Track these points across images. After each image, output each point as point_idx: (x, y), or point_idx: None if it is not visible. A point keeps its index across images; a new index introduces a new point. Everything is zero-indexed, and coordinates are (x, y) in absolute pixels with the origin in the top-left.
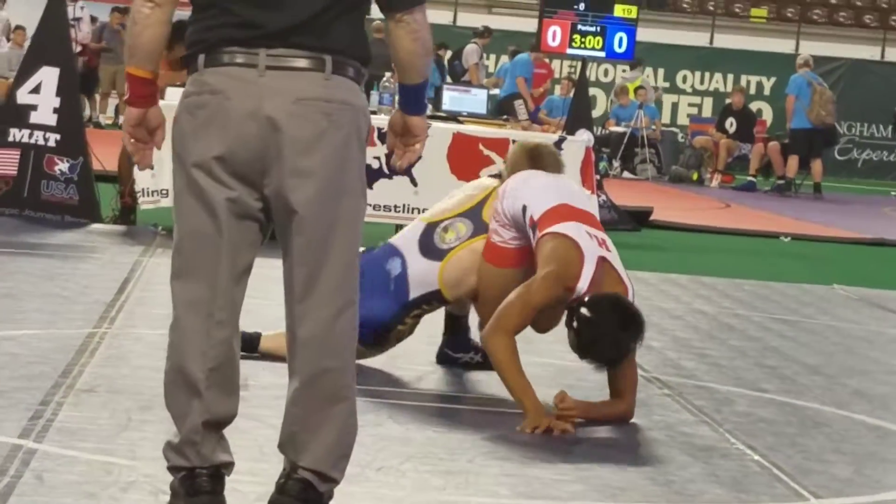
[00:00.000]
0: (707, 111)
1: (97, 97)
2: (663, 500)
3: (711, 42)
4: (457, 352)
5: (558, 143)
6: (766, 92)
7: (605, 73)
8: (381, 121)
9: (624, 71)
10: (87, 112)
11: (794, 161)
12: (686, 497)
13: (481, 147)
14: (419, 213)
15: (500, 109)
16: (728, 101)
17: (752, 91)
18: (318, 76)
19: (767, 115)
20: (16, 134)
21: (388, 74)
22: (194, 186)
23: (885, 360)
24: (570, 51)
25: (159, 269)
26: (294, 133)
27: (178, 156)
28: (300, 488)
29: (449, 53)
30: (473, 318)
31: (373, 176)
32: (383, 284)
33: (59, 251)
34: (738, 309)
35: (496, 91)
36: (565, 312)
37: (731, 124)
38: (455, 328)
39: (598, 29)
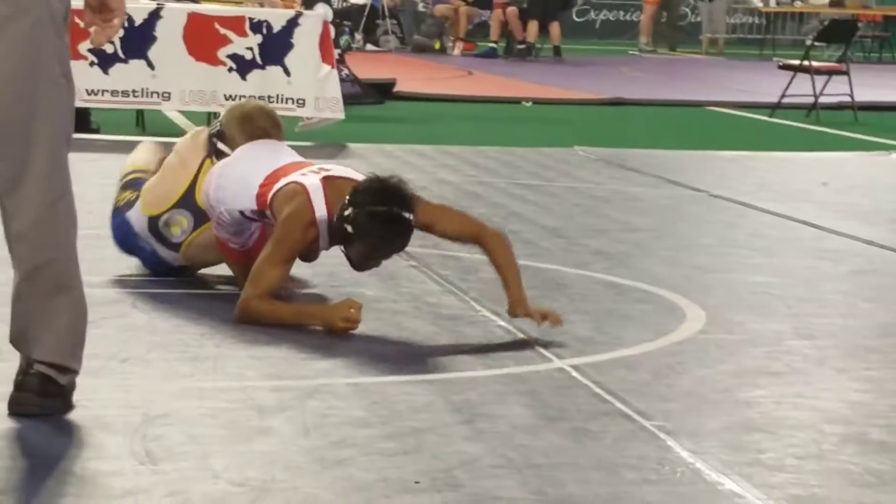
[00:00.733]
0: None
1: None
2: (410, 372)
3: None
4: None
5: (294, 19)
6: None
7: None
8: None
9: None
10: None
11: (532, 25)
12: (433, 367)
13: (217, 26)
14: (159, 96)
15: None
16: None
17: None
18: None
19: None
20: None
21: None
22: None
23: (624, 219)
24: None
25: None
26: None
27: None
28: (38, 382)
29: None
30: None
31: (108, 61)
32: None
33: None
34: (482, 176)
35: None
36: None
37: None
38: None
39: None
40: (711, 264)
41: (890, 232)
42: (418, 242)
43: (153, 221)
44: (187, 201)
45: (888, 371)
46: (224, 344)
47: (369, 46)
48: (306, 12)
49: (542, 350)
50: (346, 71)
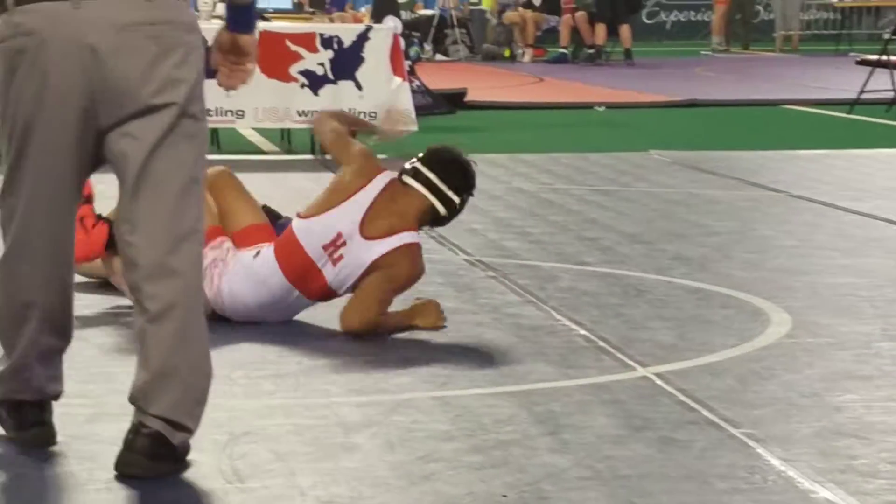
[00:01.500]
0: None
1: None
2: (492, 384)
3: None
4: None
5: (364, 33)
6: None
7: None
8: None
9: None
10: None
11: (601, 29)
12: (515, 378)
13: (289, 43)
14: (232, 114)
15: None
16: None
17: None
18: None
19: None
20: None
21: None
22: (33, 144)
23: (703, 222)
24: None
25: None
26: (123, 66)
27: (4, 105)
28: (149, 443)
29: None
30: None
31: None
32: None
33: None
34: (556, 183)
35: None
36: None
37: None
38: None
39: None
40: (795, 266)
41: None
42: (495, 253)
43: None
44: None
45: None
46: (306, 360)
47: (439, 56)
48: (376, 26)
49: (624, 358)
50: (416, 82)
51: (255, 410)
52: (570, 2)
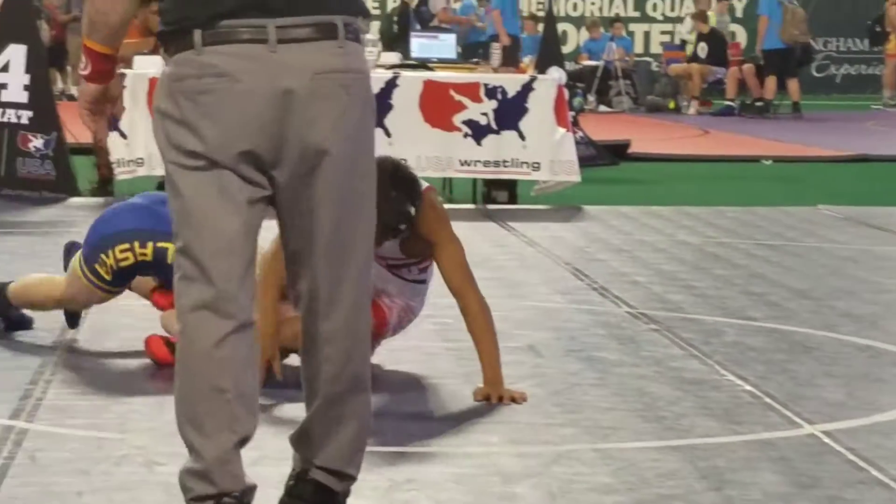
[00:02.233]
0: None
1: (68, 69)
2: (654, 437)
3: None
4: None
5: (529, 84)
6: (739, 14)
7: (574, 7)
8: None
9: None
10: (59, 85)
11: (770, 82)
12: (678, 432)
13: (453, 93)
14: None
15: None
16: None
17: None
18: (333, 45)
19: (741, 37)
20: None
21: None
22: (207, 187)
23: (873, 279)
24: None
25: None
26: (316, 112)
27: (175, 148)
28: (312, 491)
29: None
30: None
31: None
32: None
33: (39, 228)
34: (722, 237)
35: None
36: None
37: (702, 49)
38: None
39: None
40: None
41: None
42: (659, 306)
43: None
44: None
45: None
46: (465, 409)
47: (602, 107)
48: (540, 76)
49: (791, 415)
50: (580, 133)
51: (416, 457)
52: (737, 54)
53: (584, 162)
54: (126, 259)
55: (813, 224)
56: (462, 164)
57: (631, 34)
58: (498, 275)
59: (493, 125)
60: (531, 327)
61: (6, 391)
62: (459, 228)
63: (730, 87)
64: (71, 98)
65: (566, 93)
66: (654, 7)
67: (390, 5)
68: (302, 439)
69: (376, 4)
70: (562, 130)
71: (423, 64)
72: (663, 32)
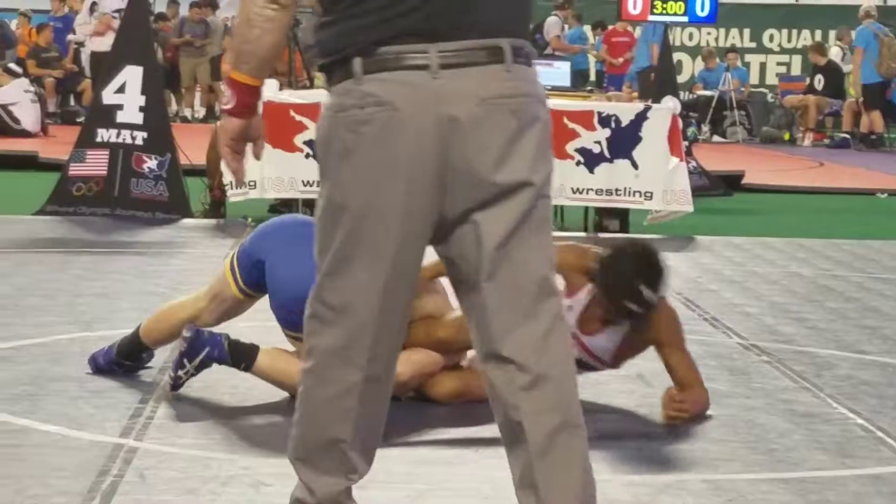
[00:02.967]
0: (796, 69)
1: (182, 91)
2: (766, 469)
3: None
4: None
5: (643, 112)
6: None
7: (690, 36)
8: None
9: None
10: (173, 107)
11: (876, 116)
12: (789, 465)
13: (566, 121)
14: None
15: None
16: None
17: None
18: (499, 69)
19: None
20: (103, 134)
21: None
22: (367, 232)
23: None
24: (651, 17)
25: None
26: (484, 141)
27: (336, 185)
28: None
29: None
30: None
31: None
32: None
33: (151, 248)
34: (835, 270)
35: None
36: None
37: (819, 81)
38: None
39: None
40: None
41: None
42: (771, 338)
43: None
44: None
45: None
46: None
47: (716, 138)
48: (655, 106)
49: None
50: (693, 163)
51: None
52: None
53: (697, 192)
54: None
55: None
56: (574, 192)
57: (747, 65)
58: None
59: (607, 153)
60: (641, 356)
61: (116, 409)
62: None
63: (846, 119)
64: (185, 120)
65: (680, 122)
66: (771, 38)
67: None
68: (526, 486)
69: None
70: (675, 160)
71: None
72: (779, 64)
